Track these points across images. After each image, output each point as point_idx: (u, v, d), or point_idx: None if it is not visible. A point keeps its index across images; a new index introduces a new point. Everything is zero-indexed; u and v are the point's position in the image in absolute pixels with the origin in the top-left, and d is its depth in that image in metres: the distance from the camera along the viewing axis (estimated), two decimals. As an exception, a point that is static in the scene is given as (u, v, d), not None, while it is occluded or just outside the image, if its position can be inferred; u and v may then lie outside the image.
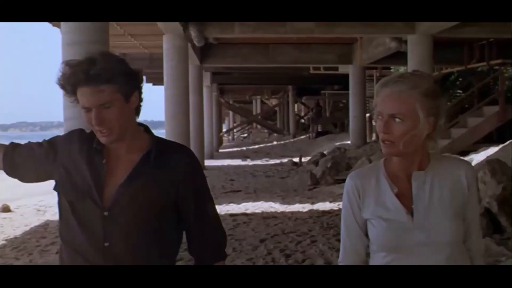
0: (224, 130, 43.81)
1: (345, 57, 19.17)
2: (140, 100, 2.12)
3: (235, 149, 30.92)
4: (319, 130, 31.88)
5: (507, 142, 11.00)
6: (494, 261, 5.42)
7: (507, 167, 8.26)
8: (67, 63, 2.02)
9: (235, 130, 46.33)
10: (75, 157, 2.12)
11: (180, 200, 2.14)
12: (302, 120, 40.61)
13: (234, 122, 52.02)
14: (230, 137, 44.42)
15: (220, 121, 36.52)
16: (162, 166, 2.10)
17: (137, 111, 2.13)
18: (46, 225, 9.31)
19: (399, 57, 15.55)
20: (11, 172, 2.20)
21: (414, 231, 1.96)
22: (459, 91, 21.85)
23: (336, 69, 22.31)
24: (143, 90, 2.15)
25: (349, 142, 21.46)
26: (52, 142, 2.19)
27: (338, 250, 5.96)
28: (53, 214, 10.51)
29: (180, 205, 2.15)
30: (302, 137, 33.20)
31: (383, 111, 1.93)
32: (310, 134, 31.70)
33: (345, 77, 21.95)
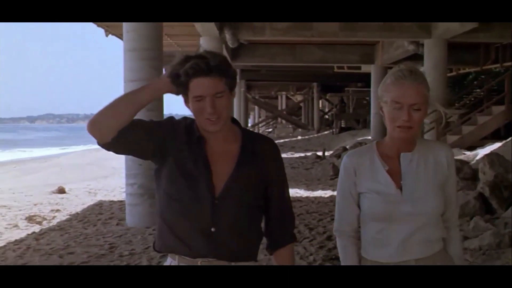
0: (249, 124, 44.84)
1: (367, 57, 20.31)
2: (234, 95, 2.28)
3: (261, 143, 31.94)
4: (342, 125, 32.75)
5: (509, 139, 12.11)
6: (480, 233, 6.61)
7: (505, 159, 9.44)
8: (187, 56, 2.19)
9: (260, 125, 47.36)
10: (180, 144, 2.25)
11: (270, 186, 2.32)
12: (326, 116, 41.46)
13: (260, 117, 53.10)
14: (255, 131, 45.12)
15: (246, 116, 37.69)
16: (257, 155, 2.28)
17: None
18: (100, 204, 10.67)
19: (417, 58, 16.68)
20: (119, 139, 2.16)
21: (403, 203, 2.23)
22: (477, 89, 22.84)
23: (359, 68, 23.48)
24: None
25: (370, 137, 22.58)
26: (163, 124, 2.29)
27: None
28: (104, 195, 11.96)
29: (268, 191, 2.32)
30: (326, 132, 34.13)
31: (404, 101, 2.16)
32: (334, 130, 32.46)
33: (368, 75, 23.06)
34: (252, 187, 2.26)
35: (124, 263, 6.08)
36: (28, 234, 7.81)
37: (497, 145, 12.20)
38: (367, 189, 2.28)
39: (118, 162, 23.63)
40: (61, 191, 12.39)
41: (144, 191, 8.24)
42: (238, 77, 25.19)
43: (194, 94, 2.17)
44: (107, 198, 11.48)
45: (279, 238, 2.36)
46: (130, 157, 8.13)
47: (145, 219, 8.16)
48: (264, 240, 2.37)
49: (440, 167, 2.30)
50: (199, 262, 2.20)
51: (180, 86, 2.18)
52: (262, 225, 2.38)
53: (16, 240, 7.42)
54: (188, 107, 2.24)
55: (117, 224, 8.46)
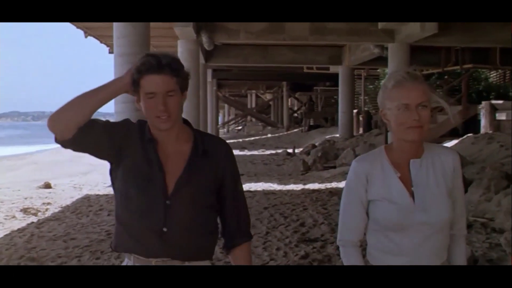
0: (219, 123, 45.48)
1: (335, 58, 21.31)
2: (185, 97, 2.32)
3: (231, 140, 32.72)
4: (311, 123, 33.65)
5: (465, 136, 13.20)
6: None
7: (460, 155, 10.46)
8: (144, 54, 2.26)
9: (230, 123, 47.97)
10: (134, 145, 2.26)
11: (223, 186, 2.33)
12: (295, 114, 42.39)
13: (229, 115, 53.82)
14: (225, 129, 45.82)
15: (216, 114, 38.39)
16: (209, 155, 2.30)
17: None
18: (87, 197, 11.38)
19: (381, 61, 17.73)
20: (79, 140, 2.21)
21: (416, 212, 2.19)
22: (438, 89, 24.02)
23: (328, 68, 24.50)
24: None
25: (338, 135, 23.59)
26: (119, 125, 2.32)
27: (323, 214, 8.30)
28: (89, 190, 12.67)
29: (222, 190, 2.34)
30: (295, 130, 35.06)
31: (411, 102, 2.14)
32: (303, 128, 33.37)
33: (336, 75, 24.09)
34: (204, 187, 2.28)
35: (123, 246, 6.85)
36: (28, 224, 8.52)
37: (454, 142, 13.27)
38: (379, 197, 2.23)
39: (95, 159, 24.22)
40: (48, 186, 13.06)
41: (133, 184, 9.02)
42: (210, 76, 25.89)
43: (145, 90, 2.19)
44: (92, 192, 12.20)
45: (234, 237, 2.38)
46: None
47: (135, 210, 8.94)
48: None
49: (447, 172, 2.26)
50: (153, 262, 2.24)
51: (133, 84, 2.21)
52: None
53: (18, 229, 8.14)
54: (139, 106, 2.27)
55: (108, 215, 9.19)
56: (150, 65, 2.18)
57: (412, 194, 2.21)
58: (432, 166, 2.24)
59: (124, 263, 2.34)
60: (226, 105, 52.90)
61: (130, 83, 2.21)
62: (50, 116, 2.19)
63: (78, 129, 2.16)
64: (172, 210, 2.22)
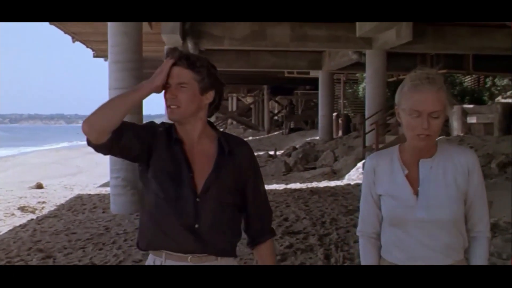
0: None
1: (315, 63, 22.00)
2: (215, 101, 2.37)
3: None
4: (291, 126, 34.36)
5: (438, 138, 13.90)
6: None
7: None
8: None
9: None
10: (161, 146, 2.32)
11: (246, 185, 2.40)
12: (276, 117, 43.13)
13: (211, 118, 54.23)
14: (206, 132, 46.03)
15: (199, 117, 38.73)
16: (233, 156, 2.35)
17: (211, 110, 2.39)
18: (80, 196, 11.92)
19: (360, 66, 18.47)
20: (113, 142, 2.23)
21: (417, 209, 2.18)
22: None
23: (308, 73, 25.24)
24: (221, 100, 2.42)
25: (318, 137, 24.30)
26: (146, 127, 2.37)
27: (304, 210, 9.00)
28: (80, 190, 13.22)
29: (246, 189, 2.40)
30: (276, 133, 35.77)
31: (423, 109, 2.10)
32: (284, 130, 34.06)
33: (316, 79, 24.82)
34: (230, 186, 2.34)
35: (122, 240, 7.46)
36: (29, 220, 9.08)
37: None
38: (384, 191, 2.27)
39: (81, 160, 24.82)
40: (40, 186, 13.58)
41: (127, 183, 9.62)
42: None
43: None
44: (84, 192, 12.75)
45: (258, 234, 2.45)
46: (114, 154, 9.55)
47: (128, 207, 9.55)
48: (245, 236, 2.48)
49: (461, 173, 2.22)
50: (188, 258, 2.30)
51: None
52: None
53: (20, 225, 8.69)
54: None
55: (103, 212, 9.79)
56: (172, 56, 2.27)
57: (417, 193, 2.20)
58: (443, 166, 2.22)
59: (148, 263, 2.38)
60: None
61: (160, 86, 2.26)
62: (85, 120, 2.20)
63: (112, 133, 2.20)
64: (202, 208, 2.28)
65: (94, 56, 23.40)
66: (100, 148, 2.23)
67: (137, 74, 9.79)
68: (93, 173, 18.72)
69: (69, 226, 8.50)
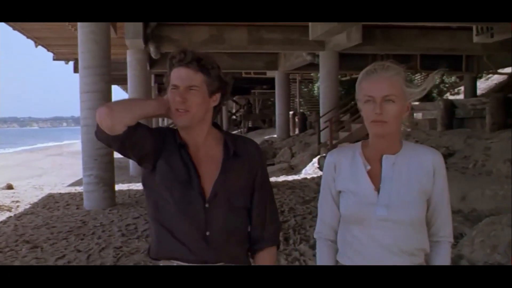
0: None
1: (272, 64, 22.88)
2: (221, 103, 2.28)
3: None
4: (250, 125, 35.25)
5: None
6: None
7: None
8: (179, 49, 2.21)
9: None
10: (169, 150, 2.23)
11: (256, 186, 2.29)
12: (234, 117, 43.80)
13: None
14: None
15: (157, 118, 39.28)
16: (240, 157, 2.26)
17: (216, 112, 2.29)
18: (51, 195, 12.52)
19: (314, 66, 19.44)
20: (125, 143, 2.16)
21: (377, 207, 2.08)
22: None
23: (265, 73, 26.14)
24: (225, 101, 2.32)
25: (275, 135, 25.21)
26: (155, 130, 2.26)
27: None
28: (50, 189, 13.81)
29: (255, 190, 2.29)
30: (235, 132, 36.56)
31: (376, 94, 2.04)
32: (242, 129, 34.89)
33: (273, 79, 25.74)
34: (239, 189, 2.25)
35: (100, 231, 8.17)
36: (8, 217, 9.68)
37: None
38: (344, 188, 2.16)
39: (44, 163, 25.19)
40: (10, 187, 14.11)
41: (99, 180, 10.30)
42: (152, 81, 26.82)
43: (171, 83, 2.19)
44: (54, 191, 13.35)
45: (258, 240, 2.32)
46: (86, 152, 10.26)
47: (101, 203, 10.25)
48: None
49: (424, 173, 2.13)
50: None
51: (165, 77, 2.22)
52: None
53: (1, 221, 9.30)
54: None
55: (77, 208, 10.44)
56: (179, 59, 2.18)
57: (378, 190, 2.10)
58: (407, 164, 2.13)
59: None
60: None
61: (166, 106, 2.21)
62: (105, 106, 2.11)
63: (128, 127, 2.11)
64: (211, 214, 2.19)
65: (54, 59, 23.83)
66: (113, 140, 2.13)
67: (106, 78, 10.47)
68: (59, 174, 19.24)
69: (47, 221, 9.15)
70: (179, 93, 2.17)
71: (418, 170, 2.13)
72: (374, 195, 2.11)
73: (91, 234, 7.98)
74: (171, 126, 2.44)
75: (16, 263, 6.41)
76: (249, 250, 2.36)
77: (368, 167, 2.14)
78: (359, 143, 2.22)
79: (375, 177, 2.13)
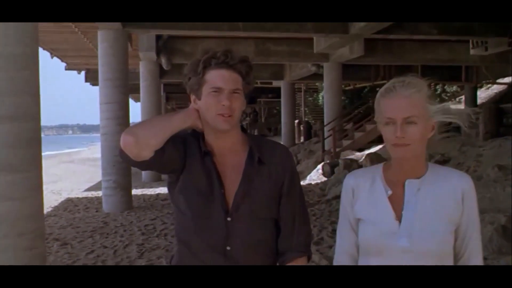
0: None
1: (277, 74, 23.66)
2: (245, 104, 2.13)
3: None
4: (255, 133, 35.87)
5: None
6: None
7: (380, 156, 12.93)
8: (207, 49, 2.07)
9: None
10: (192, 158, 2.10)
11: (283, 193, 2.13)
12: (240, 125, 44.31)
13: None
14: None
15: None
16: (266, 163, 2.10)
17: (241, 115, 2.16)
18: (70, 199, 13.29)
19: (318, 76, 20.21)
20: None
21: (399, 237, 1.88)
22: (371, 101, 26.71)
23: (270, 83, 26.92)
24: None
25: (281, 143, 25.82)
26: (177, 138, 2.09)
27: None
28: (67, 194, 14.57)
29: (282, 197, 2.13)
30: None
31: (396, 116, 1.85)
32: (248, 137, 35.41)
33: (278, 88, 26.50)
34: (264, 199, 2.09)
35: (122, 230, 8.92)
36: (33, 219, 10.44)
37: (379, 146, 15.79)
38: (362, 215, 1.98)
39: (57, 169, 25.94)
40: (29, 192, 14.85)
41: (117, 185, 11.06)
42: (162, 90, 27.61)
43: (212, 85, 2.03)
44: (72, 196, 14.12)
45: (287, 250, 2.15)
46: (105, 159, 11.04)
47: (119, 206, 11.03)
48: None
49: (452, 200, 1.92)
50: None
51: (196, 76, 2.06)
52: None
53: (28, 222, 10.06)
54: (196, 106, 2.10)
55: (96, 211, 11.20)
56: (222, 60, 2.04)
57: (400, 218, 1.90)
58: (432, 189, 1.92)
59: None
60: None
61: (195, 116, 2.09)
62: (129, 133, 1.98)
63: (155, 151, 2.01)
64: (233, 227, 2.05)
65: (66, 69, 24.66)
66: (139, 164, 2.04)
67: (124, 90, 11.26)
68: (72, 180, 19.97)
69: (71, 222, 9.91)
70: (227, 97, 2.03)
71: (445, 196, 1.92)
72: (395, 223, 1.91)
73: (113, 233, 8.73)
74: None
75: (51, 258, 7.15)
76: (278, 261, 2.18)
77: (390, 192, 1.95)
78: (380, 165, 2.04)
79: (397, 203, 1.93)
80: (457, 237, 1.93)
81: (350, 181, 2.04)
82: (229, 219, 2.05)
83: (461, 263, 1.95)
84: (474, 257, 1.94)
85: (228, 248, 2.05)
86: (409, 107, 1.86)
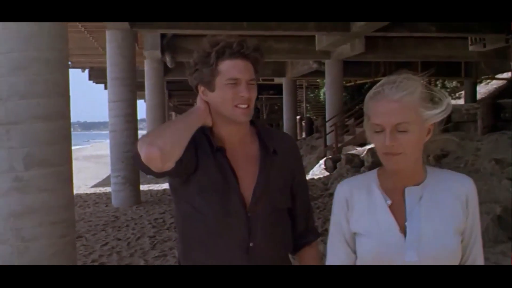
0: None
1: (279, 71, 23.98)
2: None
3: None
4: (257, 130, 36.07)
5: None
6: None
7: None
8: (215, 40, 2.00)
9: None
10: (204, 155, 2.01)
11: (295, 181, 2.13)
12: (242, 121, 44.60)
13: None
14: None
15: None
16: (278, 155, 2.06)
17: None
18: (78, 195, 13.53)
19: (320, 73, 20.53)
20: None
21: (406, 251, 1.70)
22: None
23: (272, 80, 27.24)
24: None
25: (283, 139, 26.18)
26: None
27: None
28: (76, 190, 14.84)
29: (292, 187, 2.12)
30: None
31: (384, 123, 1.65)
32: (250, 133, 35.73)
33: (280, 84, 26.82)
34: (281, 189, 2.07)
35: (133, 223, 9.27)
36: (45, 214, 10.79)
37: (372, 145, 16.10)
38: (361, 229, 1.77)
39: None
40: (39, 188, 15.19)
41: (126, 181, 11.40)
42: (164, 87, 28.04)
43: (228, 76, 1.95)
44: (80, 192, 14.46)
45: (304, 235, 2.17)
46: (114, 155, 11.38)
47: (128, 201, 11.37)
48: None
49: (458, 205, 1.75)
50: None
51: (208, 67, 1.97)
52: None
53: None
54: (205, 97, 2.02)
55: (106, 206, 11.55)
56: (237, 49, 1.97)
57: (404, 230, 1.72)
58: (436, 196, 1.75)
59: None
60: (173, 113, 54.72)
61: (205, 112, 2.01)
62: (151, 151, 1.84)
63: (176, 162, 1.91)
64: (254, 222, 2.00)
65: (70, 67, 25.03)
66: (159, 175, 1.95)
67: (131, 88, 11.59)
68: (78, 177, 20.23)
69: (82, 216, 10.25)
70: (246, 88, 1.97)
71: (451, 204, 1.75)
72: (399, 236, 1.72)
73: (125, 226, 9.08)
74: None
75: (67, 249, 7.49)
76: (294, 248, 2.17)
77: (390, 202, 1.75)
78: (374, 171, 1.84)
79: (398, 213, 1.74)
80: (461, 241, 1.77)
81: (343, 191, 1.84)
82: (249, 214, 2.00)
83: None
84: (479, 262, 1.81)
85: (251, 244, 2.00)
86: (399, 113, 1.65)
